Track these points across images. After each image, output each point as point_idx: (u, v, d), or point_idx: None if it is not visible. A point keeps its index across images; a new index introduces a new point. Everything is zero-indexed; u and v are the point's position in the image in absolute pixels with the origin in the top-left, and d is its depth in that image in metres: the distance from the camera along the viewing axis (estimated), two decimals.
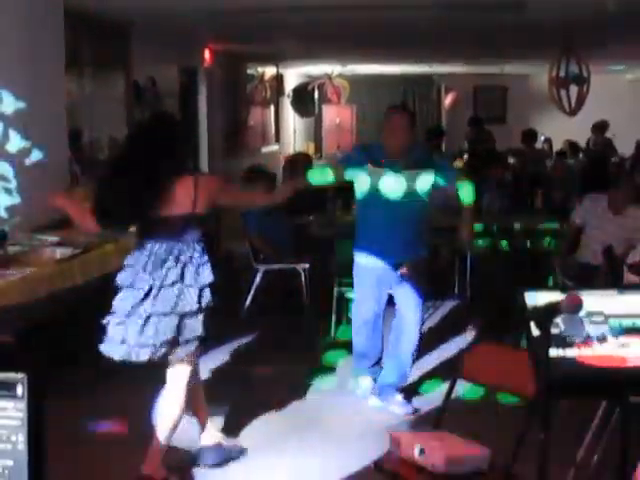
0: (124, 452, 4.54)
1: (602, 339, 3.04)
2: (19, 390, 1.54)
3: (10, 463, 1.55)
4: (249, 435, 4.86)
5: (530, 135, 12.68)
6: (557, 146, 14.99)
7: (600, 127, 14.06)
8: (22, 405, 1.54)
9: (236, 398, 5.42)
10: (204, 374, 5.97)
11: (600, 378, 2.99)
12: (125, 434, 4.83)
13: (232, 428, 4.94)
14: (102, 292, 5.67)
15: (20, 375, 1.53)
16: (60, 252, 5.23)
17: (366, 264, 5.24)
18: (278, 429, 4.97)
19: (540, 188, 11.06)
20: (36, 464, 1.54)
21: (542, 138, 14.90)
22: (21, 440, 1.54)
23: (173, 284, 3.98)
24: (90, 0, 7.06)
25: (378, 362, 5.45)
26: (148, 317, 3.96)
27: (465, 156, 13.31)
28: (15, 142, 5.96)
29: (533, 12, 7.83)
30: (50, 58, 6.57)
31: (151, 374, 5.80)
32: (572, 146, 14.35)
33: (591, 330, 3.04)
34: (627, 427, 3.07)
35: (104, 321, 4.10)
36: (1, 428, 1.55)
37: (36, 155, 6.05)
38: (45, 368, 1.57)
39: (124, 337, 4.01)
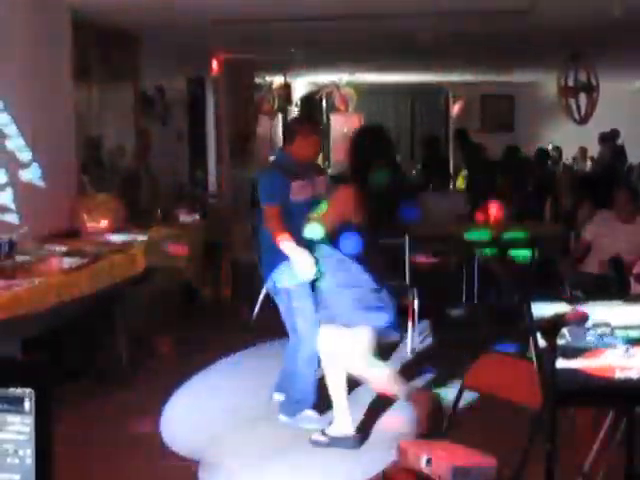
0: (128, 465, 4.55)
1: (609, 350, 3.04)
2: (27, 405, 1.55)
3: (17, 477, 1.56)
4: (252, 443, 4.87)
5: (542, 155, 12.62)
6: (566, 153, 15.00)
7: (604, 138, 13.99)
8: (29, 420, 1.55)
9: (242, 407, 5.44)
10: (211, 384, 5.98)
11: (606, 389, 2.99)
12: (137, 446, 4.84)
13: (233, 437, 4.96)
14: (110, 302, 5.71)
15: (27, 390, 1.55)
16: (68, 262, 5.22)
17: None
18: (283, 437, 4.96)
19: (548, 197, 11.01)
20: (43, 478, 1.55)
21: (550, 146, 14.87)
22: (28, 455, 1.55)
23: None
24: (98, 11, 7.10)
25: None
26: None
27: (464, 171, 13.10)
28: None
29: (540, 20, 7.84)
30: (57, 68, 6.60)
31: (151, 384, 5.84)
32: (583, 152, 14.30)
33: (598, 341, 3.04)
34: (633, 438, 3.07)
35: None
36: (9, 443, 1.56)
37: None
38: (52, 382, 1.58)
39: None
